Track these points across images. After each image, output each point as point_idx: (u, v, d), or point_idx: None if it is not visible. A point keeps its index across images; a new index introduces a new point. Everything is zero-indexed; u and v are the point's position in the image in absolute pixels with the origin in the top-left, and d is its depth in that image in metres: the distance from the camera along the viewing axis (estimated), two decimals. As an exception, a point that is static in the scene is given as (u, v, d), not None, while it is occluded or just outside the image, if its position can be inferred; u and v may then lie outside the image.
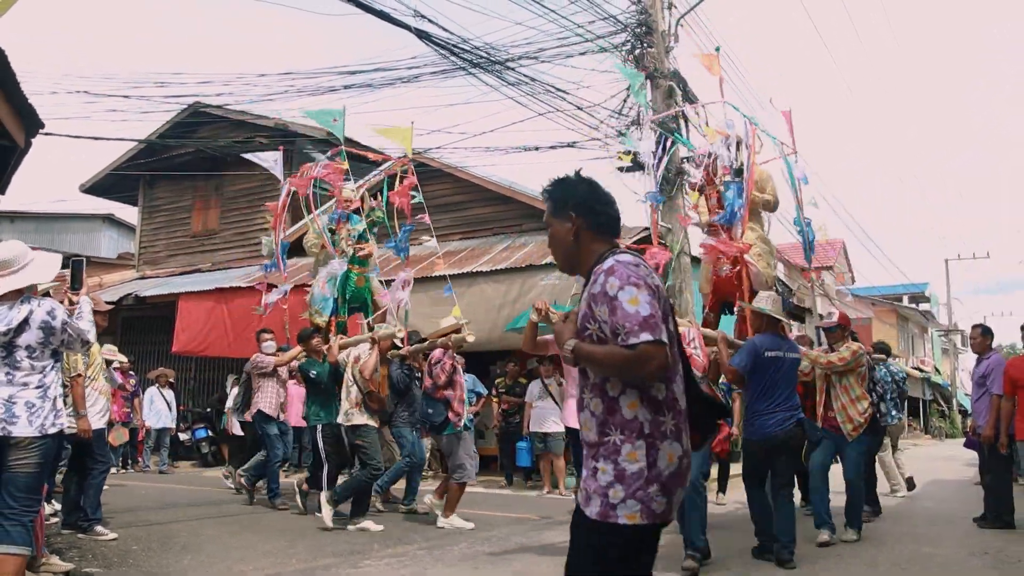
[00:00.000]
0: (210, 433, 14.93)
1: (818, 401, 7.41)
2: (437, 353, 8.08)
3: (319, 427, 8.54)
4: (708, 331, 7.09)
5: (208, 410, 15.11)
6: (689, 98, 12.49)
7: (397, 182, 9.08)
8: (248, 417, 9.69)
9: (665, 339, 2.50)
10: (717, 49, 8.73)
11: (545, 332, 6.05)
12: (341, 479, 8.79)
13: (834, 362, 7.14)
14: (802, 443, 6.70)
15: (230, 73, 30.67)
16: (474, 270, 13.13)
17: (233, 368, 15.34)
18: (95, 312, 6.54)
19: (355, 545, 6.86)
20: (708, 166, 7.92)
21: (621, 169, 12.51)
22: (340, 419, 8.12)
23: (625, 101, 12.43)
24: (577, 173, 2.88)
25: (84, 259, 5.62)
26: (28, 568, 4.87)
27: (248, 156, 10.73)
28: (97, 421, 6.82)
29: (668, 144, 8.49)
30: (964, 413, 33.08)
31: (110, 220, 25.95)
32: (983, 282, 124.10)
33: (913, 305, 39.46)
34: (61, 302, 4.77)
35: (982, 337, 8.30)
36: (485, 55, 10.28)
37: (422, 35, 8.98)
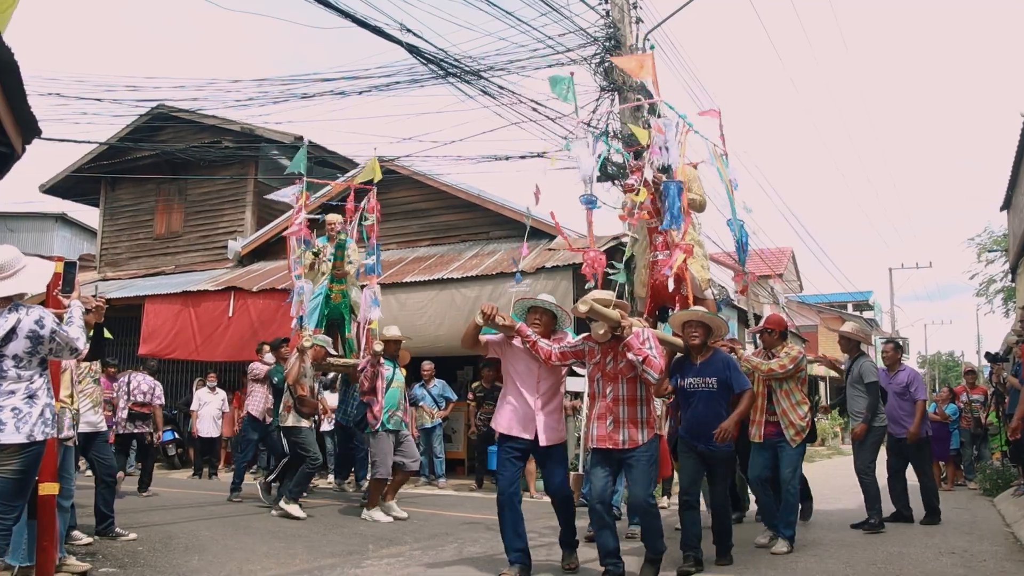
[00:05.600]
0: (176, 436, 14.90)
1: (756, 406, 6.98)
2: (362, 361, 8.94)
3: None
4: (668, 336, 6.53)
5: (174, 412, 15.07)
6: (655, 111, 12.82)
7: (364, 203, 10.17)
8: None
9: None
10: (652, 47, 8.17)
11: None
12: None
13: (775, 369, 6.87)
14: None
15: (203, 78, 30.43)
16: (444, 277, 13.33)
17: (199, 371, 15.33)
18: (89, 311, 6.61)
19: (350, 546, 7.03)
20: (641, 168, 7.30)
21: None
22: (279, 421, 9.14)
23: (594, 112, 12.74)
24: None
25: (76, 262, 5.60)
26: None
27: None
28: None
29: (598, 148, 7.46)
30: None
31: (63, 220, 25.49)
32: (924, 290, 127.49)
33: (857, 312, 40.48)
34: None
35: (894, 352, 9.06)
36: (468, 68, 10.51)
37: (413, 50, 9.20)
